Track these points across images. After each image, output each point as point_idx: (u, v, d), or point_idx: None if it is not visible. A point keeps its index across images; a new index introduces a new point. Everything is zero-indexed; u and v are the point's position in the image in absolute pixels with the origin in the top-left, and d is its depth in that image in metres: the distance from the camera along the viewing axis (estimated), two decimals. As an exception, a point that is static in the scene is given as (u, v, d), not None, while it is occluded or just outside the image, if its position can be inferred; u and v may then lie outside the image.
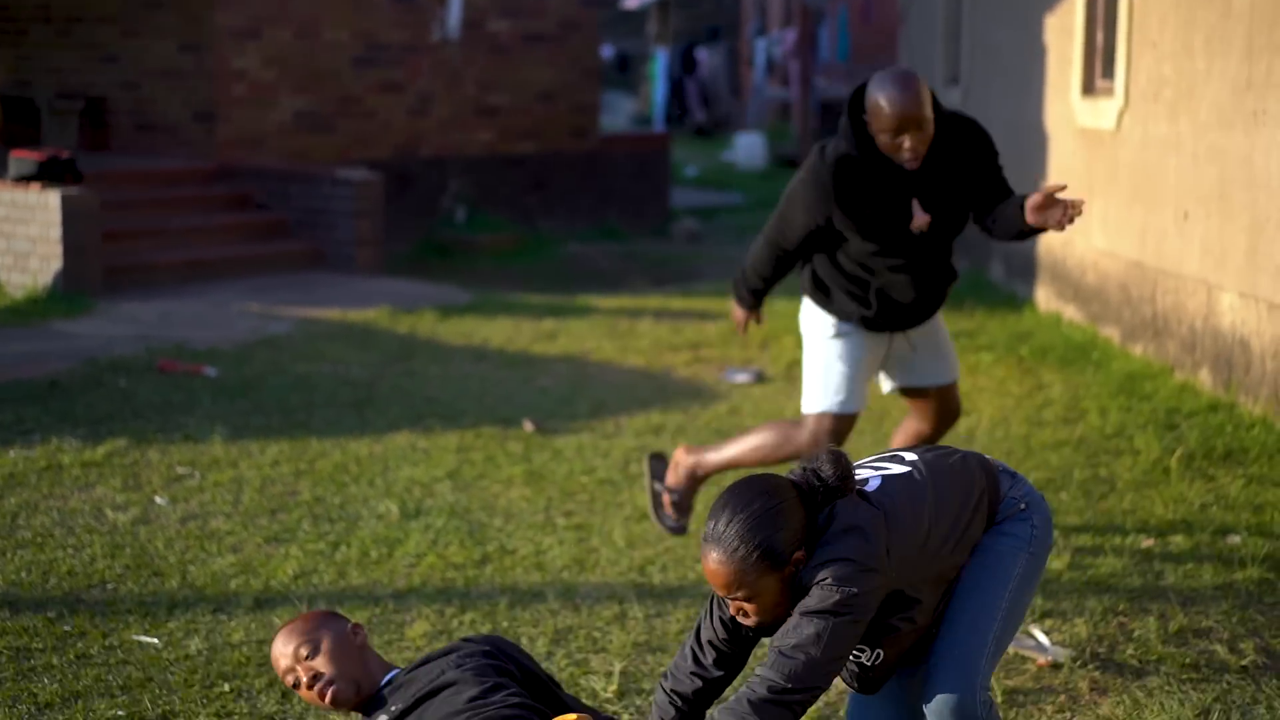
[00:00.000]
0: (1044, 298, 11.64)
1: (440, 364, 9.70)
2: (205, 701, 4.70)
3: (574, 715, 3.78)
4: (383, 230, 13.60)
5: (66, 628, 5.26)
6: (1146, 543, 6.20)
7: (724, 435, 7.95)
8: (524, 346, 10.37)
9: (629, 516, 6.57)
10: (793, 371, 9.60)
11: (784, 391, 9.04)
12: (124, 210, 12.90)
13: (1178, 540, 6.22)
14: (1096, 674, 4.97)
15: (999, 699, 4.75)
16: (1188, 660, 5.06)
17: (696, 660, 3.76)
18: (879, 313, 5.73)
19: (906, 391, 6.04)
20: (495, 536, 6.29)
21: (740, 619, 3.62)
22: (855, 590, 3.51)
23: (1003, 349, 10.03)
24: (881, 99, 5.40)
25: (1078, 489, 6.92)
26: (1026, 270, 12.07)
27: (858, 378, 5.84)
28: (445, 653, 4.12)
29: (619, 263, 14.94)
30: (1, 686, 4.75)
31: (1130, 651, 5.14)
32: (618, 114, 29.24)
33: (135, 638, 5.19)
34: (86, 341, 10.02)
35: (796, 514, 3.57)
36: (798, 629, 3.53)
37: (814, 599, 3.53)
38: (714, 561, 3.54)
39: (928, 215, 5.58)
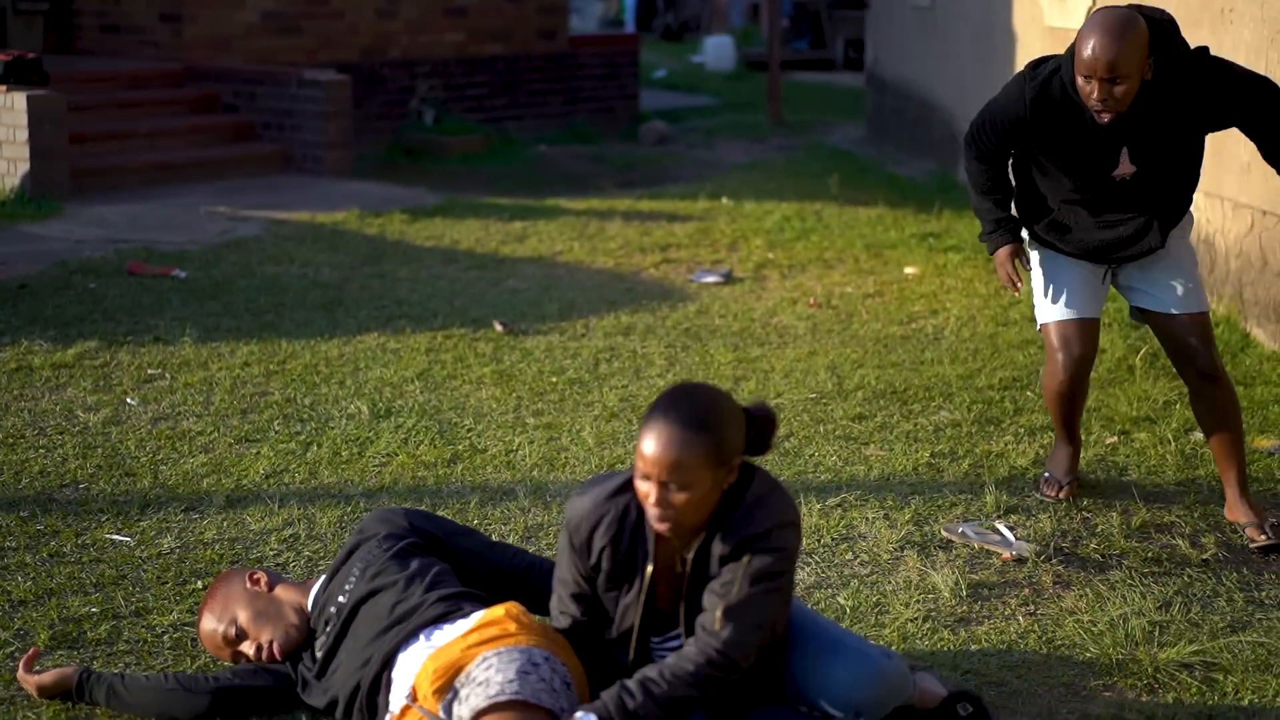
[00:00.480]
0: (1012, 199, 11.65)
1: (410, 266, 9.70)
2: (178, 598, 4.74)
3: (502, 609, 3.82)
4: (351, 132, 13.52)
5: (39, 526, 5.29)
6: (1110, 440, 6.27)
7: (693, 336, 8.00)
8: (493, 248, 10.37)
9: (598, 416, 6.61)
10: (761, 272, 9.63)
11: (752, 292, 9.07)
12: (91, 112, 12.80)
13: (1141, 437, 6.29)
14: (1060, 568, 5.04)
15: (964, 593, 4.82)
16: (1150, 554, 5.13)
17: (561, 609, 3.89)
18: (1050, 239, 5.38)
19: (1139, 312, 5.57)
20: (465, 436, 6.33)
21: (656, 512, 3.55)
22: (795, 553, 3.64)
23: (970, 249, 10.06)
24: (1082, 37, 4.88)
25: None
26: (995, 172, 12.06)
27: (1070, 283, 5.39)
28: (349, 554, 4.14)
29: (588, 165, 14.90)
30: (-25, 584, 4.79)
31: (1093, 546, 5.21)
32: (587, 17, 29.01)
33: (108, 536, 5.22)
34: (55, 244, 9.99)
35: (741, 429, 3.61)
36: (762, 603, 3.57)
37: (769, 563, 3.57)
38: (666, 441, 3.49)
39: (1134, 166, 5.11)
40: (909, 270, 9.65)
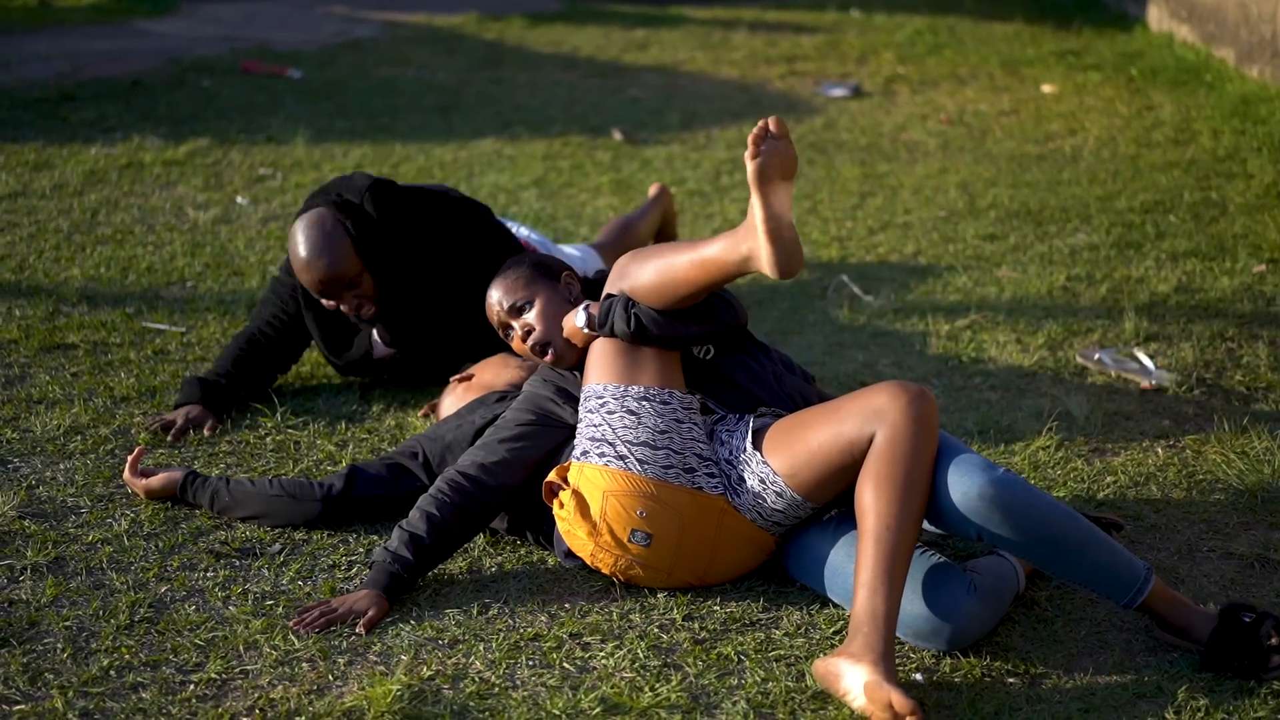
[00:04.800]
0: (1156, 17, 11.19)
1: (528, 71, 9.46)
2: (282, 400, 4.60)
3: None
4: (471, -66, 13.24)
5: (145, 323, 5.17)
6: (1258, 268, 5.95)
7: (819, 149, 7.73)
8: (614, 56, 10.10)
9: (718, 229, 6.39)
10: (891, 87, 9.30)
11: (881, 107, 8.76)
12: (207, -92, 12.59)
13: (1291, 266, 5.98)
14: (1202, 399, 4.77)
15: (1100, 421, 4.58)
16: (1298, 388, 4.86)
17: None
18: None
19: None
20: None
21: (530, 347, 3.77)
22: None
23: (1111, 69, 9.66)
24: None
25: (1187, 211, 6.65)
26: (1138, -12, 11.60)
27: None
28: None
29: (713, -26, 14.53)
30: (79, 379, 4.68)
31: (1238, 378, 4.93)
32: None
33: (213, 335, 5.09)
34: (170, 41, 9.84)
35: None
36: None
37: None
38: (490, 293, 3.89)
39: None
40: (1046, 88, 9.27)
